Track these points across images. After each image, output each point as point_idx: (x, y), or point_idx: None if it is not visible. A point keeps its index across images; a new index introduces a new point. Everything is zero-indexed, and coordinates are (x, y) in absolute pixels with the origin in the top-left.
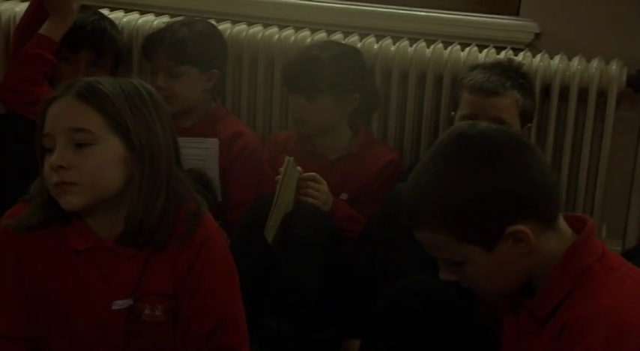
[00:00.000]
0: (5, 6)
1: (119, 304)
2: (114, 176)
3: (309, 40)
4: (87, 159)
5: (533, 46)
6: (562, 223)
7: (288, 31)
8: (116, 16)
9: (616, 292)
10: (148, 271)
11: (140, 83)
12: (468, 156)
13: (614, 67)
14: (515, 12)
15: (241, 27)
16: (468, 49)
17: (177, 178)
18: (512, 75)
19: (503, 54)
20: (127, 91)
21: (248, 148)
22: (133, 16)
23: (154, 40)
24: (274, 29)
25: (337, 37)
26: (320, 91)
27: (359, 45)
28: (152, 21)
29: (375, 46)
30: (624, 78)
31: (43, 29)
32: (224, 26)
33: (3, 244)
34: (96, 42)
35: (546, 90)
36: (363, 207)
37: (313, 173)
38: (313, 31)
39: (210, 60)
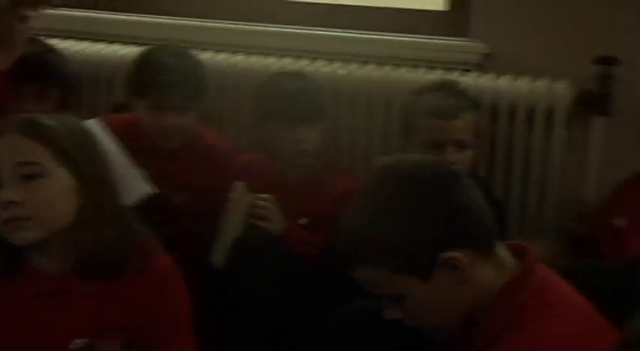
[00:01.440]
0: None
1: (77, 343)
2: (65, 208)
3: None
4: (38, 192)
5: (483, 67)
6: (502, 251)
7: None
8: (68, 45)
9: (544, 331)
10: (103, 306)
11: (76, 118)
12: (391, 188)
13: (561, 86)
14: (465, 33)
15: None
16: (417, 71)
17: (125, 213)
18: (463, 95)
19: (452, 75)
20: (66, 124)
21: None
22: (84, 45)
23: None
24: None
25: (286, 61)
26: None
27: (308, 69)
28: (100, 50)
29: (325, 70)
30: (572, 97)
31: None
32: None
33: None
34: (41, 75)
35: (494, 110)
36: (324, 232)
37: (263, 196)
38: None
39: None
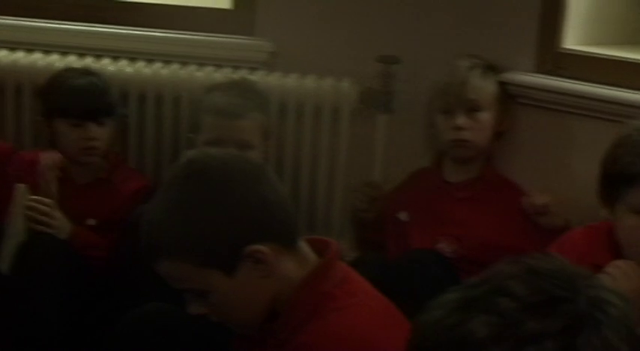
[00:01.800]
0: None
1: None
2: None
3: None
4: None
5: (269, 65)
6: (304, 246)
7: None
8: None
9: (349, 319)
10: None
11: None
12: (197, 182)
13: (346, 85)
14: (251, 32)
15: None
16: (204, 69)
17: None
18: (251, 95)
19: (240, 74)
20: None
21: None
22: None
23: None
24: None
25: (71, 59)
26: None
27: (93, 67)
28: None
29: (111, 68)
30: (356, 95)
31: None
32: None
33: None
34: None
35: (282, 108)
36: (114, 233)
37: (41, 199)
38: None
39: None
